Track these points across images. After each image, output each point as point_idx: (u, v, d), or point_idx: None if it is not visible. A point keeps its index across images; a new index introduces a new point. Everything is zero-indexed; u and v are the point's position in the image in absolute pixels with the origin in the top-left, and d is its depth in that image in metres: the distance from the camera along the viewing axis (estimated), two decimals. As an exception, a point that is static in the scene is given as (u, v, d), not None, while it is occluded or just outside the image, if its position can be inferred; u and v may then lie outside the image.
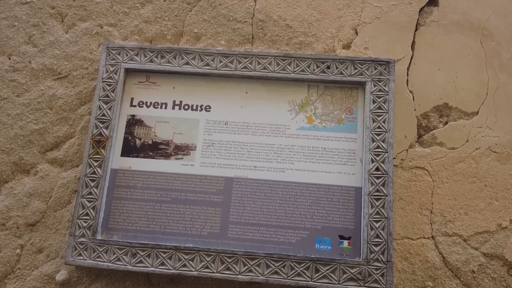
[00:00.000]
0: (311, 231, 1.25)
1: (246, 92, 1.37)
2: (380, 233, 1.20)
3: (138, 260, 1.22)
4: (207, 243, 1.25)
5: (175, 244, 1.23)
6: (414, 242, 1.25)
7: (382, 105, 1.29)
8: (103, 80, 1.35)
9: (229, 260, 1.21)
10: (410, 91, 1.35)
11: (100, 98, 1.33)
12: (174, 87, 1.38)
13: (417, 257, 1.24)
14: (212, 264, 1.21)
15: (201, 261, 1.22)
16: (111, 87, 1.34)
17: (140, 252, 1.23)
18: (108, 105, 1.33)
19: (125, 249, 1.23)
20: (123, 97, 1.37)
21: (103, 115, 1.32)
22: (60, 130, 1.39)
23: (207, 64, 1.35)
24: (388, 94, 1.30)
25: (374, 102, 1.29)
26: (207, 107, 1.36)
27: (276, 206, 1.27)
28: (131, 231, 1.28)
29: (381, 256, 1.19)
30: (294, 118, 1.34)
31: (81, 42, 1.44)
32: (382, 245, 1.20)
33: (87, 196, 1.27)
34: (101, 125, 1.31)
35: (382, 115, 1.28)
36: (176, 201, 1.29)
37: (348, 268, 1.19)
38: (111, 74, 1.35)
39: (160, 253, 1.22)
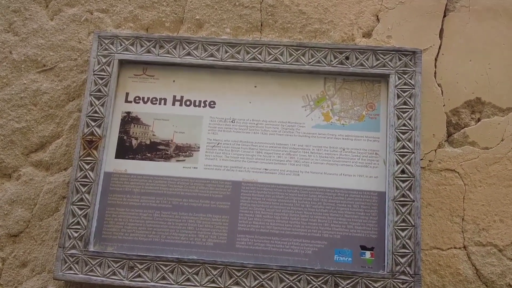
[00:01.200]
0: (330, 241, 1.28)
1: (255, 86, 1.40)
2: (406, 242, 1.24)
3: (136, 274, 1.25)
4: (213, 254, 1.28)
5: (177, 256, 1.26)
6: (444, 252, 1.29)
7: (408, 100, 1.32)
8: (95, 73, 1.37)
9: (238, 274, 1.24)
10: (439, 85, 1.39)
11: (92, 93, 1.36)
12: (174, 81, 1.41)
13: (448, 269, 1.28)
14: (219, 278, 1.24)
15: (207, 274, 1.25)
16: (103, 80, 1.37)
17: (138, 265, 1.26)
18: (101, 101, 1.36)
19: (122, 262, 1.26)
20: (117, 92, 1.39)
21: (95, 112, 1.35)
22: (45, 129, 1.42)
23: (211, 55, 1.39)
24: (414, 88, 1.33)
25: (398, 96, 1.33)
26: (212, 103, 1.39)
27: (290, 214, 1.31)
28: (128, 242, 1.30)
29: (407, 268, 1.22)
30: (309, 115, 1.37)
31: (69, 30, 1.48)
32: (408, 256, 1.23)
33: (78, 203, 1.30)
34: (93, 124, 1.34)
35: (408, 111, 1.32)
36: (178, 208, 1.32)
37: (371, 282, 1.22)
38: (103, 66, 1.38)
39: (161, 266, 1.25)
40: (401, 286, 1.22)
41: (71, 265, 1.27)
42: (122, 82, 1.41)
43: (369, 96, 1.38)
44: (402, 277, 1.22)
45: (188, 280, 1.25)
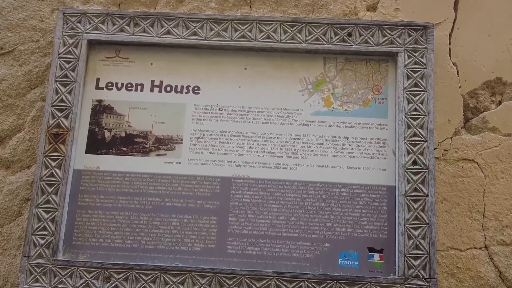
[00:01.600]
0: (333, 243, 1.28)
1: (245, 68, 1.39)
2: (420, 243, 1.24)
3: (113, 285, 1.24)
4: (200, 261, 1.28)
5: (159, 264, 1.26)
6: (463, 253, 1.29)
7: (419, 82, 1.32)
8: (60, 56, 1.36)
9: (230, 282, 1.24)
10: (454, 64, 1.39)
11: (57, 80, 1.34)
12: (151, 64, 1.40)
13: (467, 272, 1.28)
14: (208, 288, 1.24)
15: (194, 284, 1.24)
16: (70, 64, 1.35)
17: (115, 275, 1.25)
18: (68, 88, 1.34)
19: (96, 272, 1.25)
20: (86, 77, 1.38)
21: (61, 101, 1.33)
22: (4, 122, 1.40)
23: (194, 33, 1.38)
24: (426, 68, 1.33)
25: (408, 77, 1.33)
26: (196, 89, 1.39)
27: (287, 213, 1.30)
28: (103, 249, 1.29)
29: (422, 272, 1.23)
30: (307, 100, 1.37)
31: (29, 7, 1.46)
32: (423, 258, 1.23)
33: (44, 206, 1.28)
34: (59, 114, 1.33)
35: (419, 94, 1.31)
36: (159, 209, 1.31)
37: (380, 288, 1.22)
38: (70, 48, 1.36)
39: (141, 275, 1.25)
40: (415, 292, 1.22)
41: (38, 276, 1.25)
42: (92, 66, 1.40)
43: (375, 77, 1.38)
44: (416, 282, 1.22)
45: (172, 290, 1.24)
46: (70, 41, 1.37)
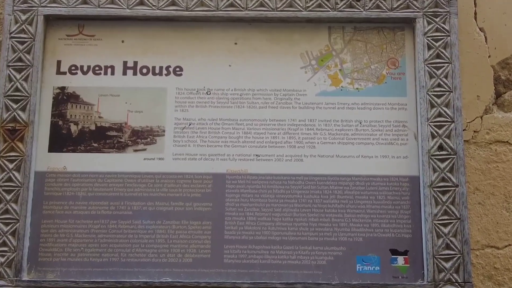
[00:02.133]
0: (349, 246, 1.29)
1: (236, 43, 1.38)
2: (451, 241, 1.25)
3: (91, 307, 1.24)
4: (193, 274, 1.28)
5: (145, 280, 1.26)
6: (501, 252, 1.31)
7: (442, 52, 1.32)
8: (12, 35, 1.34)
9: (230, 298, 1.24)
10: (481, 29, 1.40)
11: (9, 64, 1.33)
12: (123, 41, 1.39)
13: (507, 273, 1.30)
14: (204, 306, 1.24)
15: (188, 302, 1.24)
16: (24, 45, 1.33)
17: (92, 295, 1.24)
18: (23, 74, 1.32)
19: (69, 293, 1.24)
20: (44, 60, 1.37)
21: (16, 89, 1.31)
22: None
23: (173, 3, 1.36)
24: (449, 35, 1.33)
25: (429, 48, 1.33)
26: (177, 69, 1.38)
27: (294, 213, 1.31)
28: (75, 265, 1.29)
29: (454, 275, 1.24)
30: (311, 78, 1.37)
31: (-30, -22, 1.42)
32: (455, 259, 1.24)
33: (2, 217, 1.27)
34: (14, 106, 1.31)
35: (443, 66, 1.32)
36: (141, 215, 1.31)
37: (407, 297, 1.24)
38: (23, 26, 1.34)
39: (124, 294, 1.24)
40: (448, 299, 1.24)
41: (-1, 301, 1.24)
42: (51, 47, 1.38)
43: (390, 49, 1.38)
44: (448, 287, 1.23)
45: (162, 311, 1.24)
46: (23, 17, 1.34)
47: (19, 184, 1.28)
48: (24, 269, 1.26)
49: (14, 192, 1.27)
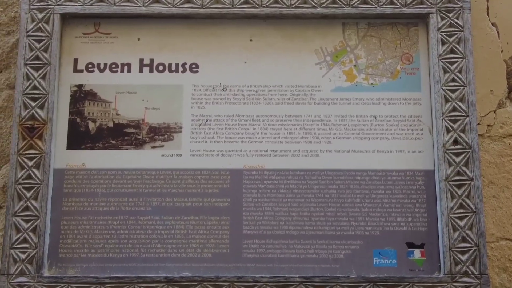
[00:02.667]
0: (366, 240, 1.30)
1: (251, 40, 1.39)
2: (467, 234, 1.26)
3: (112, 302, 1.25)
4: (213, 269, 1.29)
5: (165, 275, 1.26)
6: (516, 244, 1.32)
7: (456, 47, 1.33)
8: (29, 33, 1.34)
9: (249, 292, 1.25)
10: (493, 24, 1.41)
11: (27, 63, 1.33)
12: (139, 39, 1.39)
13: (521, 265, 1.31)
14: (224, 300, 1.25)
15: (208, 296, 1.25)
16: (42, 44, 1.34)
17: (113, 290, 1.25)
18: (40, 72, 1.32)
19: (90, 288, 1.25)
20: (61, 58, 1.37)
21: (34, 87, 1.32)
22: (-35, 116, 1.38)
23: (188, 1, 1.37)
24: (463, 30, 1.34)
25: (443, 43, 1.34)
26: (193, 66, 1.38)
27: (311, 208, 1.32)
28: (96, 261, 1.29)
29: (471, 268, 1.25)
30: (326, 74, 1.37)
31: (-15, -23, 1.42)
32: (471, 251, 1.26)
33: (22, 214, 1.27)
34: (33, 104, 1.31)
35: (457, 61, 1.33)
36: (160, 210, 1.31)
37: (424, 289, 1.25)
38: (39, 24, 1.34)
39: (145, 289, 1.25)
40: (464, 291, 1.25)
41: (21, 298, 1.25)
42: (67, 45, 1.39)
43: (404, 44, 1.38)
44: (465, 279, 1.25)
45: (183, 305, 1.25)
46: (40, 16, 1.35)
47: (39, 181, 1.28)
48: (45, 265, 1.27)
49: (34, 189, 1.28)
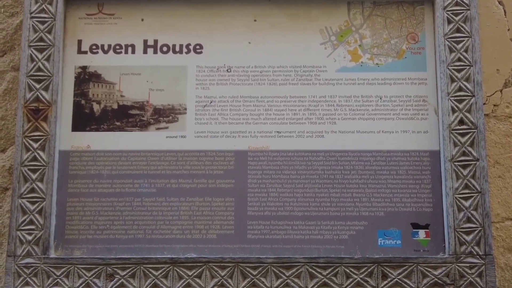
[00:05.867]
0: (371, 221, 1.30)
1: (255, 20, 1.38)
2: (472, 215, 1.25)
3: (118, 283, 1.25)
4: (218, 250, 1.29)
5: (170, 256, 1.26)
6: (521, 224, 1.31)
7: (462, 26, 1.31)
8: (32, 15, 1.33)
9: (254, 273, 1.25)
10: (500, 2, 1.38)
11: (31, 44, 1.32)
12: (142, 19, 1.38)
13: (527, 245, 1.30)
14: (229, 280, 1.25)
15: (213, 277, 1.25)
16: (45, 25, 1.33)
17: (119, 271, 1.25)
18: (45, 54, 1.32)
19: (97, 269, 1.25)
20: (65, 40, 1.36)
21: (39, 69, 1.31)
22: (-30, 98, 1.37)
23: (192, -19, 1.35)
24: (469, 9, 1.32)
25: (449, 22, 1.32)
26: (197, 47, 1.37)
27: (315, 189, 1.31)
28: (102, 242, 1.30)
29: (475, 248, 1.24)
30: (331, 54, 1.36)
31: (-12, -42, 1.41)
32: (476, 232, 1.25)
33: (28, 195, 1.27)
34: (37, 86, 1.30)
35: (463, 40, 1.31)
36: (165, 192, 1.31)
37: (429, 270, 1.24)
38: (43, 5, 1.33)
39: (150, 270, 1.25)
40: (469, 271, 1.24)
41: (28, 279, 1.25)
42: (71, 26, 1.38)
43: (410, 23, 1.37)
44: (469, 259, 1.24)
45: (188, 285, 1.25)
46: (43, -3, 1.33)
47: (44, 163, 1.28)
48: (51, 247, 1.27)
49: (39, 171, 1.28)
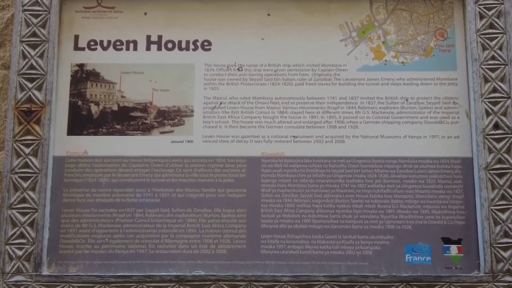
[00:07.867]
0: (397, 235, 1.23)
1: (269, 14, 1.33)
2: (509, 228, 1.18)
3: (118, 304, 1.19)
4: (228, 267, 1.22)
5: (176, 273, 1.20)
6: None
7: (496, 22, 1.26)
8: (24, 8, 1.28)
9: (269, 292, 1.19)
10: (536, -4, 1.31)
11: (23, 40, 1.26)
12: (145, 13, 1.34)
13: None
14: (241, 301, 1.19)
15: (223, 297, 1.20)
16: (39, 19, 1.27)
17: (119, 290, 1.19)
18: (38, 50, 1.26)
19: (94, 288, 1.20)
20: (61, 35, 1.31)
21: (31, 67, 1.25)
22: (-44, 98, 1.32)
23: (200, -29, 1.32)
24: (503, 3, 1.26)
25: (481, 17, 1.26)
26: (206, 44, 1.32)
27: (336, 199, 1.25)
28: (100, 258, 1.23)
29: (514, 265, 1.19)
30: (351, 52, 1.31)
31: None
32: (514, 248, 1.19)
33: (18, 206, 1.21)
34: (30, 85, 1.24)
35: (497, 37, 1.25)
36: (170, 202, 1.26)
37: (462, 289, 1.18)
38: (36, -3, 1.29)
39: (154, 289, 1.19)
40: (507, 292, 1.18)
41: (18, 298, 1.20)
42: (67, 20, 1.33)
43: (438, 19, 1.32)
44: (508, 278, 1.17)
45: (196, 307, 1.19)
46: (37, -12, 1.29)
47: (37, 171, 1.22)
48: (44, 263, 1.21)
49: (31, 179, 1.22)
